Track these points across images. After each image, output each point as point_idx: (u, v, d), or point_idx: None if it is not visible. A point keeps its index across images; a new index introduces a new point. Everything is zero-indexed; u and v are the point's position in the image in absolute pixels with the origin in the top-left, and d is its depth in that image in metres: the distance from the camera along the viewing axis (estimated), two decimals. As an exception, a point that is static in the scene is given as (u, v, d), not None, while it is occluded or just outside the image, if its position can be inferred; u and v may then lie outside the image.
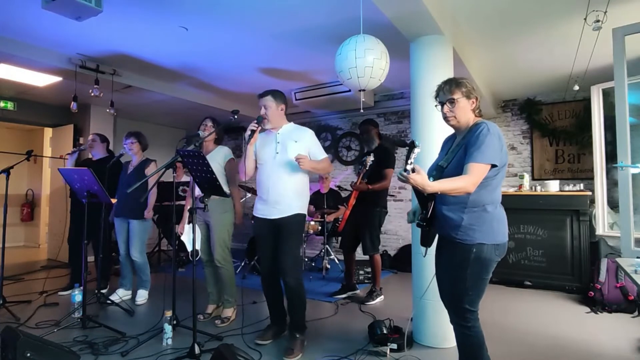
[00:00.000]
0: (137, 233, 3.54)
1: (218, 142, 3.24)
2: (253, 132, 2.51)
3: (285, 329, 2.77)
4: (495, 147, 1.64)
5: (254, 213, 2.69)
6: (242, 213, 3.24)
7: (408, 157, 1.51)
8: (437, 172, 1.78)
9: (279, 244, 2.57)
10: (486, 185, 1.67)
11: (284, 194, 2.55)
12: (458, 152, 1.74)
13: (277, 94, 2.64)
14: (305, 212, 2.66)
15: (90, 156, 4.12)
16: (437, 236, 1.88)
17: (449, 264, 1.79)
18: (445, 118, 1.81)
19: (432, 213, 1.76)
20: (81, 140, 4.09)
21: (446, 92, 1.78)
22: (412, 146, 1.52)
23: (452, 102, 1.76)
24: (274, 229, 2.59)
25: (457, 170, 1.67)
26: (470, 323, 1.74)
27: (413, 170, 1.49)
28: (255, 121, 2.54)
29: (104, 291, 3.69)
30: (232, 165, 3.14)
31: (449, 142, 1.94)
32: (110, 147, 5.90)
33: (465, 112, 1.77)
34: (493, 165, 1.64)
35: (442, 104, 1.80)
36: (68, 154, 4.06)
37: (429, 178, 1.56)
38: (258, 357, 2.42)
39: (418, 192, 1.72)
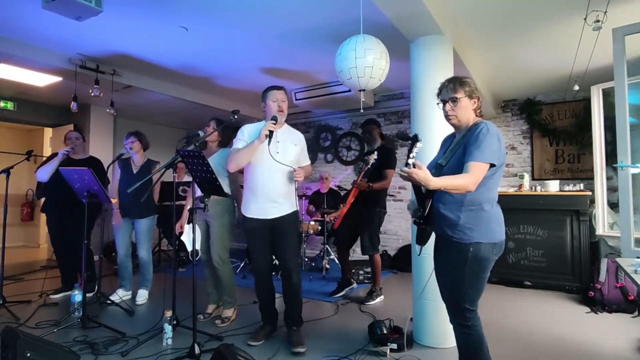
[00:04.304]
0: (145, 232, 3.57)
1: (222, 144, 3.18)
2: (272, 132, 2.40)
3: (276, 328, 2.80)
4: (494, 146, 1.65)
5: (245, 214, 2.63)
6: (230, 224, 3.16)
7: (410, 151, 1.50)
8: (436, 170, 1.78)
9: (279, 243, 2.58)
10: (484, 184, 1.66)
11: (282, 194, 2.55)
12: (457, 150, 1.74)
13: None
14: (298, 208, 2.73)
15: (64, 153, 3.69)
16: (433, 235, 1.88)
17: (447, 263, 1.78)
18: (447, 116, 1.81)
19: (429, 212, 1.76)
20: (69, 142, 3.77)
21: (449, 91, 1.78)
22: (414, 140, 1.50)
23: (454, 100, 1.76)
24: (270, 229, 2.58)
25: (456, 168, 1.68)
26: (470, 322, 1.74)
27: (414, 166, 1.49)
28: (272, 121, 2.43)
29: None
30: None
31: (448, 140, 1.94)
32: (110, 147, 5.97)
33: (466, 111, 1.77)
34: (492, 165, 1.65)
35: (445, 102, 1.80)
36: (64, 153, 3.67)
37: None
38: (259, 358, 2.42)
39: (417, 189, 1.72)
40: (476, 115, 1.81)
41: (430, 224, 1.81)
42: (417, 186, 1.66)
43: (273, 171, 2.52)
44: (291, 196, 2.61)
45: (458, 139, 1.80)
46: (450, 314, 1.81)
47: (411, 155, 1.49)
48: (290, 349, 2.52)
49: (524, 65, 4.08)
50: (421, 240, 1.86)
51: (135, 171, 3.60)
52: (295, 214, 2.65)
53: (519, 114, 5.23)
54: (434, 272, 1.91)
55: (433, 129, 2.62)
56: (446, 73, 2.78)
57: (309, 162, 2.80)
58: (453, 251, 1.73)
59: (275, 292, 2.78)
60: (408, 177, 1.50)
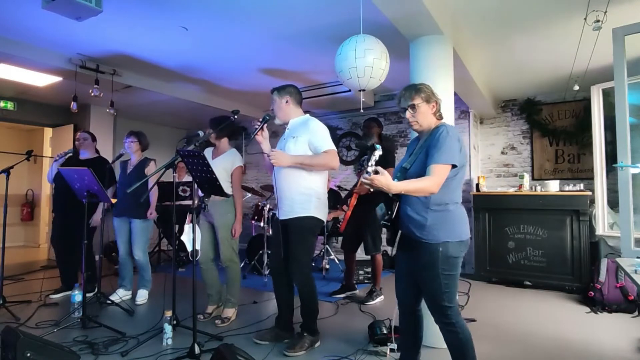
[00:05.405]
0: (139, 232, 3.54)
1: (228, 137, 3.19)
2: (256, 130, 2.51)
3: (288, 335, 2.69)
4: (454, 148, 1.74)
5: None
6: (241, 222, 3.13)
7: (369, 159, 1.59)
8: (401, 173, 1.88)
9: (289, 247, 2.53)
10: (447, 185, 1.74)
11: (287, 195, 2.51)
12: (420, 154, 1.84)
13: (281, 88, 2.63)
14: (318, 215, 2.52)
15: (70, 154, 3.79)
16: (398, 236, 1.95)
17: (419, 265, 1.84)
18: (409, 123, 1.91)
19: (397, 214, 1.85)
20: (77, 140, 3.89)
21: (407, 99, 1.87)
22: (372, 149, 1.60)
23: (413, 107, 1.86)
24: (282, 229, 2.57)
25: (420, 171, 1.77)
26: (453, 319, 1.80)
27: (376, 172, 1.57)
28: (260, 119, 2.55)
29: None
30: (238, 173, 3.09)
31: (413, 144, 2.04)
32: (110, 147, 5.97)
33: (426, 116, 1.87)
34: (453, 166, 1.74)
35: (404, 110, 1.89)
36: (55, 160, 3.74)
37: (393, 179, 1.64)
38: (259, 358, 2.42)
39: (383, 193, 1.79)
40: (437, 119, 1.90)
41: (398, 226, 1.88)
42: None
43: (278, 170, 2.53)
44: (302, 199, 2.47)
45: (421, 143, 1.89)
46: (433, 314, 1.87)
47: (370, 164, 1.58)
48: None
49: (524, 65, 4.08)
50: (392, 242, 1.92)
51: (129, 171, 3.61)
52: (307, 219, 2.47)
53: (519, 114, 5.24)
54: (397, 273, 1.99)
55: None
56: (446, 73, 2.78)
57: (326, 148, 2.47)
58: (424, 252, 1.79)
59: (290, 293, 2.70)
60: (370, 184, 1.58)
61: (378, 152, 1.59)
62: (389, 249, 5.58)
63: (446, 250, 1.75)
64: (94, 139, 3.93)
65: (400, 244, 1.91)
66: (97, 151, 3.99)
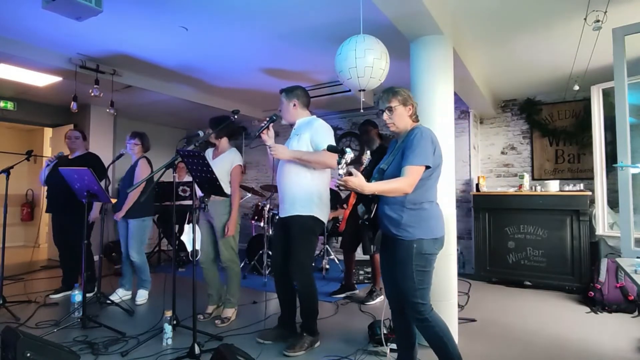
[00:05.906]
0: (135, 233, 3.52)
1: (227, 137, 3.20)
2: (262, 128, 2.53)
3: (291, 334, 2.68)
4: (428, 150, 1.81)
5: None
6: (237, 223, 3.09)
7: (339, 162, 1.65)
8: (379, 174, 1.95)
9: (289, 245, 2.54)
10: (422, 185, 1.82)
11: (289, 193, 2.54)
12: (397, 155, 1.90)
13: (290, 90, 2.66)
14: (319, 216, 2.53)
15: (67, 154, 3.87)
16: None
17: (394, 261, 1.89)
18: (386, 124, 1.97)
19: (375, 213, 1.92)
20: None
21: (384, 101, 1.95)
22: (342, 152, 1.66)
23: (390, 110, 1.94)
24: (283, 228, 2.59)
25: (396, 172, 1.83)
26: (425, 315, 1.85)
27: (351, 174, 1.64)
28: (267, 118, 2.58)
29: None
30: (237, 172, 3.09)
31: (392, 145, 2.09)
32: (110, 147, 5.97)
33: (402, 118, 1.95)
34: (427, 167, 1.80)
35: (382, 111, 1.96)
36: (47, 164, 3.71)
37: (371, 180, 1.71)
38: (258, 357, 2.42)
39: (361, 194, 1.84)
40: (413, 121, 1.98)
41: (377, 226, 1.95)
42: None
43: (281, 169, 2.59)
44: (303, 198, 2.49)
45: (398, 145, 1.96)
46: (407, 311, 1.91)
47: (340, 166, 1.64)
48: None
49: (524, 65, 4.07)
50: (372, 240, 1.98)
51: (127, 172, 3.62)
52: (308, 218, 2.49)
53: (519, 114, 5.23)
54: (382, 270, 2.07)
55: (433, 129, 2.60)
56: (446, 73, 2.78)
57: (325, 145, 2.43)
58: (399, 249, 1.85)
59: (292, 293, 2.70)
60: (345, 185, 1.65)
61: (349, 155, 1.65)
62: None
63: (420, 246, 1.82)
64: (84, 137, 3.93)
65: (380, 243, 1.97)
66: (85, 148, 3.98)
